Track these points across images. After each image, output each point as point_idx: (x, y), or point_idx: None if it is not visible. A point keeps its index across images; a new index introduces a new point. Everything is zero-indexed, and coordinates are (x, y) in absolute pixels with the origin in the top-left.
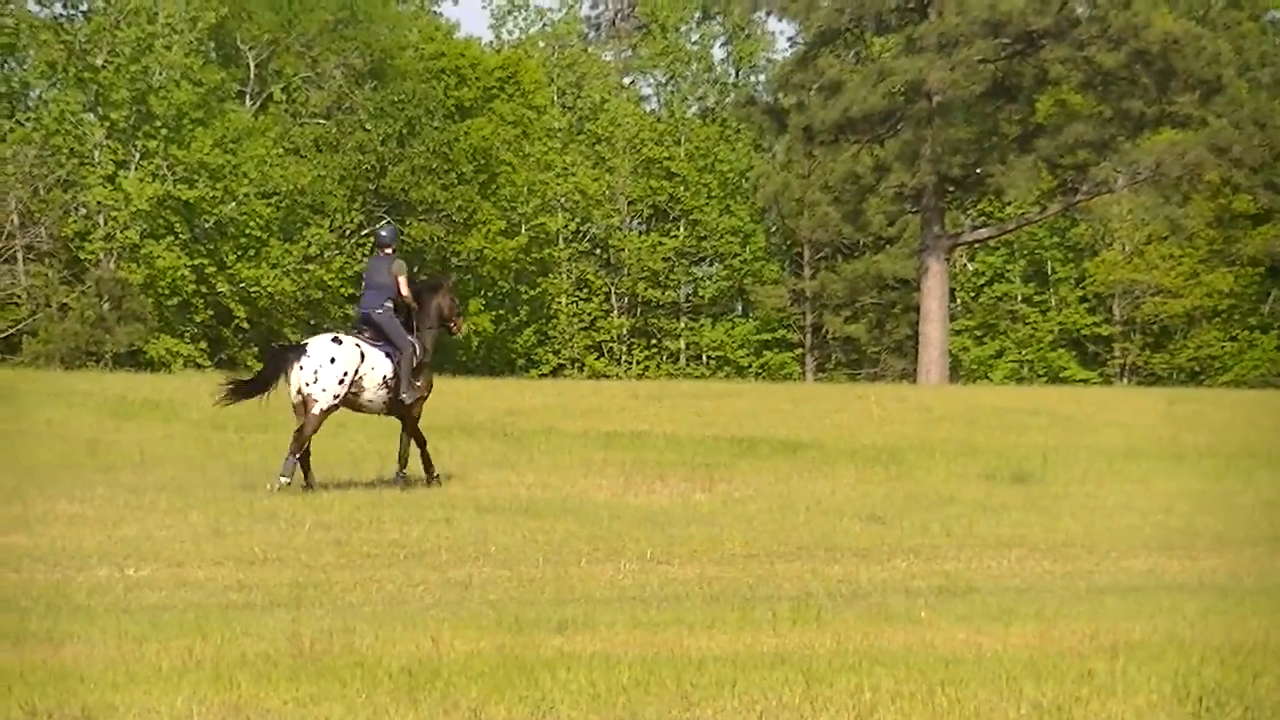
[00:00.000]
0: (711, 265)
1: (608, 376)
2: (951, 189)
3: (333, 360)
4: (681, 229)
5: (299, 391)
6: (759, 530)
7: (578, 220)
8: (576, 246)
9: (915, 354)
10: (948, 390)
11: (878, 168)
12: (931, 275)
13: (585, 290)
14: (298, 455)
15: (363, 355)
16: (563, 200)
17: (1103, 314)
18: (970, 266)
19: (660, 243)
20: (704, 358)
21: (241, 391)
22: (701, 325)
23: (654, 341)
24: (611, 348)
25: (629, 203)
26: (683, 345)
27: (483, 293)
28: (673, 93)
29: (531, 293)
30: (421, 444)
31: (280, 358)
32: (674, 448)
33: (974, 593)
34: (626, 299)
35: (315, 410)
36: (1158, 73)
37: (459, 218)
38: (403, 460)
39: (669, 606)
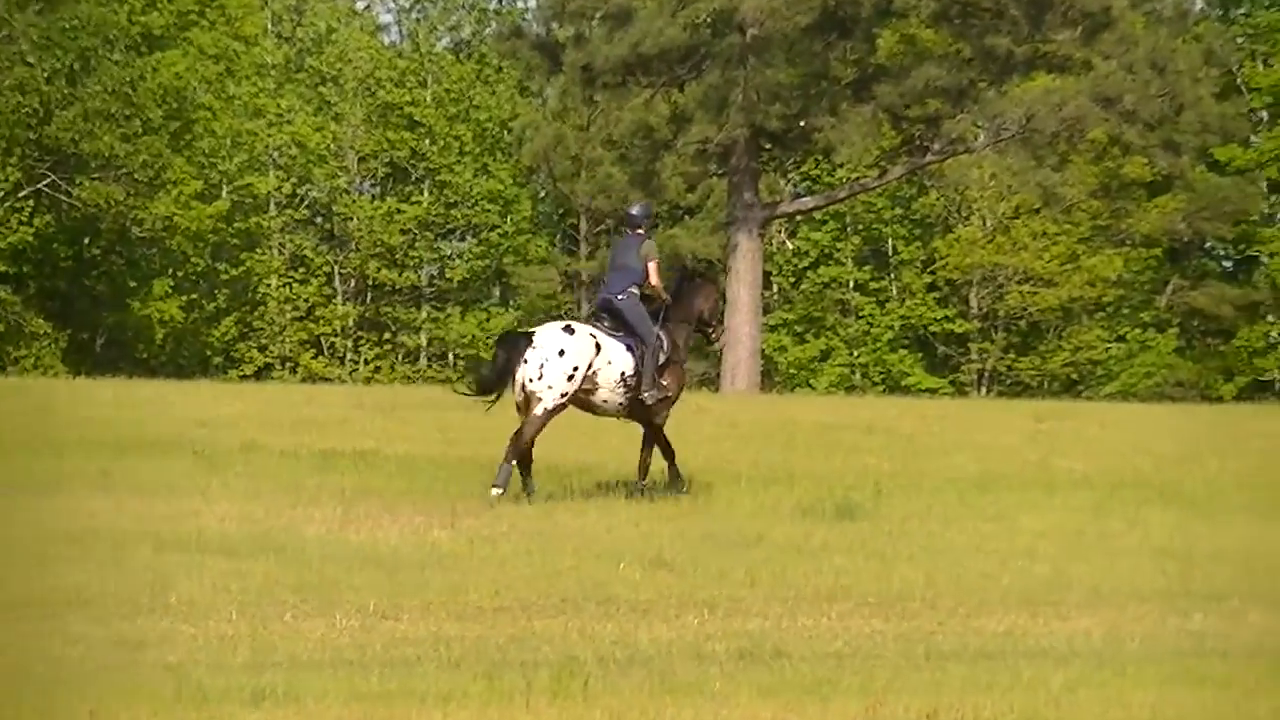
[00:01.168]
0: (463, 240)
1: (328, 379)
2: (768, 146)
3: (561, 353)
4: (426, 194)
5: (522, 388)
6: (513, 577)
7: (293, 181)
8: (292, 214)
9: (718, 354)
10: (758, 400)
11: (675, 118)
12: (741, 255)
13: (302, 270)
14: (514, 460)
15: (598, 347)
16: (275, 155)
17: (956, 306)
18: (790, 245)
19: (398, 210)
20: (450, 357)
21: (482, 384)
22: (448, 316)
23: (387, 336)
24: (333, 343)
25: (359, 159)
26: (424, 341)
27: (171, 272)
28: (418, 22)
29: (233, 272)
30: (668, 455)
31: (512, 347)
32: (407, 472)
33: (784, 658)
34: (354, 282)
35: (539, 410)
36: (1030, 2)
37: (143, 176)
38: (643, 470)
39: (396, 673)
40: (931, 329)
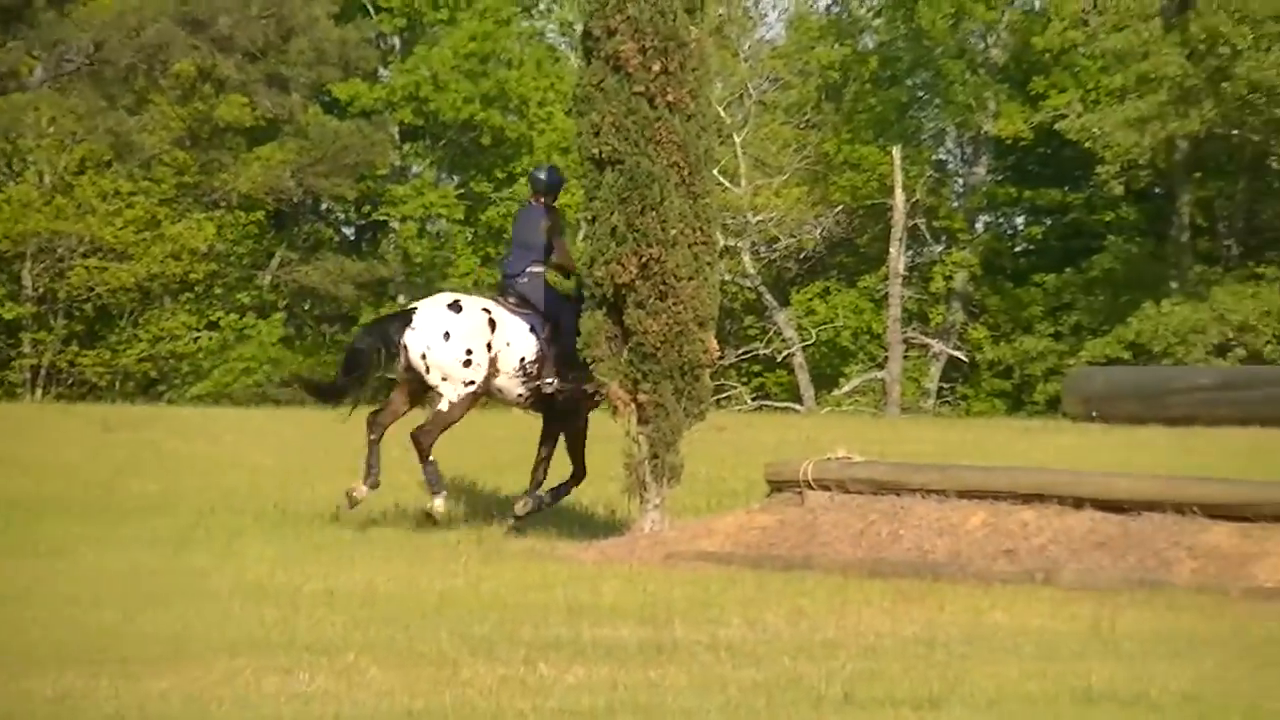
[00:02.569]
0: None
1: None
2: None
3: (447, 335)
4: None
5: (406, 369)
6: None
7: None
8: None
9: None
10: None
11: None
12: None
13: None
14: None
15: (493, 324)
16: None
17: (6, 285)
18: None
19: None
20: None
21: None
22: None
23: None
24: None
25: None
26: None
27: None
28: None
29: None
30: (576, 476)
31: (382, 330)
32: None
33: None
34: None
35: (442, 405)
36: None
37: None
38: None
39: None
40: None
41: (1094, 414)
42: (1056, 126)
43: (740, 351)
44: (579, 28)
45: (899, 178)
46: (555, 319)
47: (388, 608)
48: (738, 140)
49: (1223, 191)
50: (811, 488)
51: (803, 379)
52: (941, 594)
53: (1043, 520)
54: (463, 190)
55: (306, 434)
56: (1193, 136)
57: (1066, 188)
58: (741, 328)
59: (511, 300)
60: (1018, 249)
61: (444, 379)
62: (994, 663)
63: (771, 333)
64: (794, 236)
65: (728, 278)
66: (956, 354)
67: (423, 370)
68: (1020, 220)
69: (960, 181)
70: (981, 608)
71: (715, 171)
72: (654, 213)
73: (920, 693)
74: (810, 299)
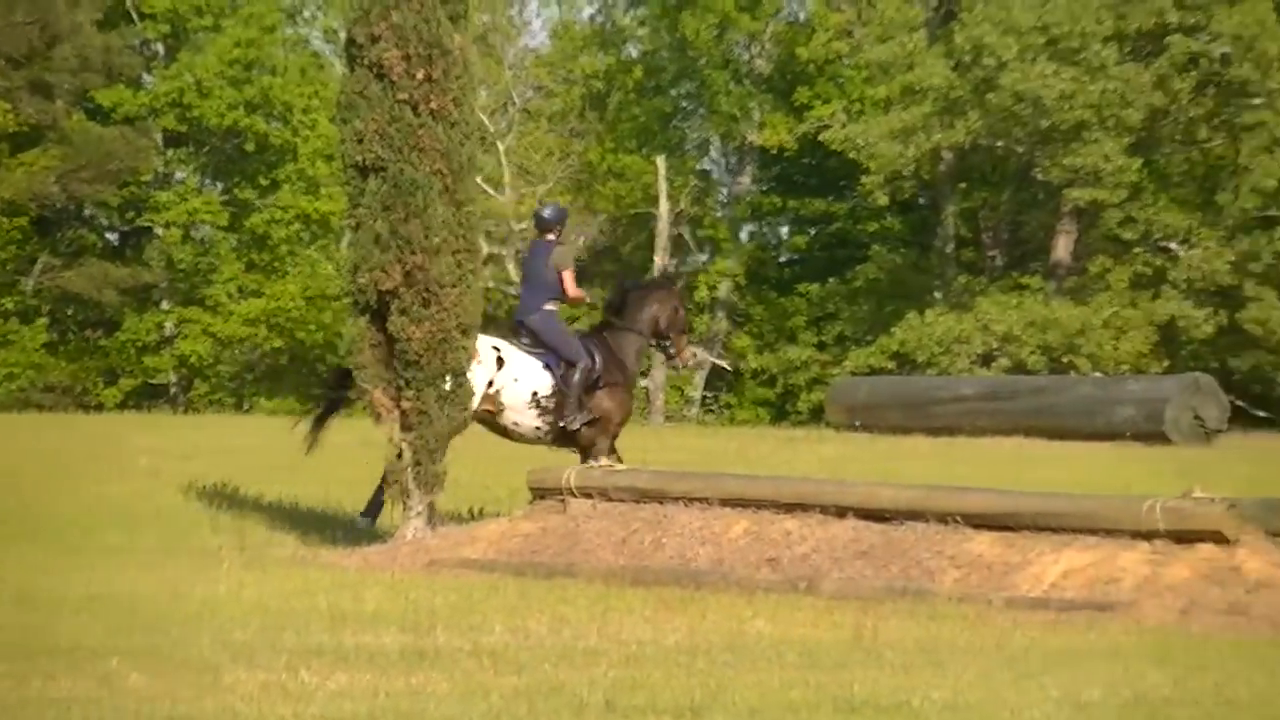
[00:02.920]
0: None
1: None
2: None
3: None
4: None
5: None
6: None
7: None
8: None
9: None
10: None
11: None
12: None
13: None
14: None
15: (500, 361)
16: None
17: None
18: None
19: None
20: None
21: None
22: None
23: None
24: None
25: None
26: None
27: None
28: None
29: None
30: None
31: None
32: None
33: None
34: None
35: None
36: None
37: None
38: None
39: None
40: None
41: (857, 423)
42: (821, 137)
43: None
44: (343, 34)
45: (663, 187)
46: (571, 354)
47: (149, 614)
48: (501, 148)
49: (987, 202)
50: (574, 495)
51: None
52: (704, 602)
53: (805, 529)
54: (227, 197)
55: (71, 439)
56: (958, 147)
57: (831, 198)
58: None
59: (525, 340)
60: (782, 259)
61: None
62: (756, 671)
63: None
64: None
65: (491, 285)
66: (720, 363)
67: None
68: (785, 230)
69: (725, 191)
70: (744, 616)
71: (479, 179)
72: (418, 220)
73: (682, 701)
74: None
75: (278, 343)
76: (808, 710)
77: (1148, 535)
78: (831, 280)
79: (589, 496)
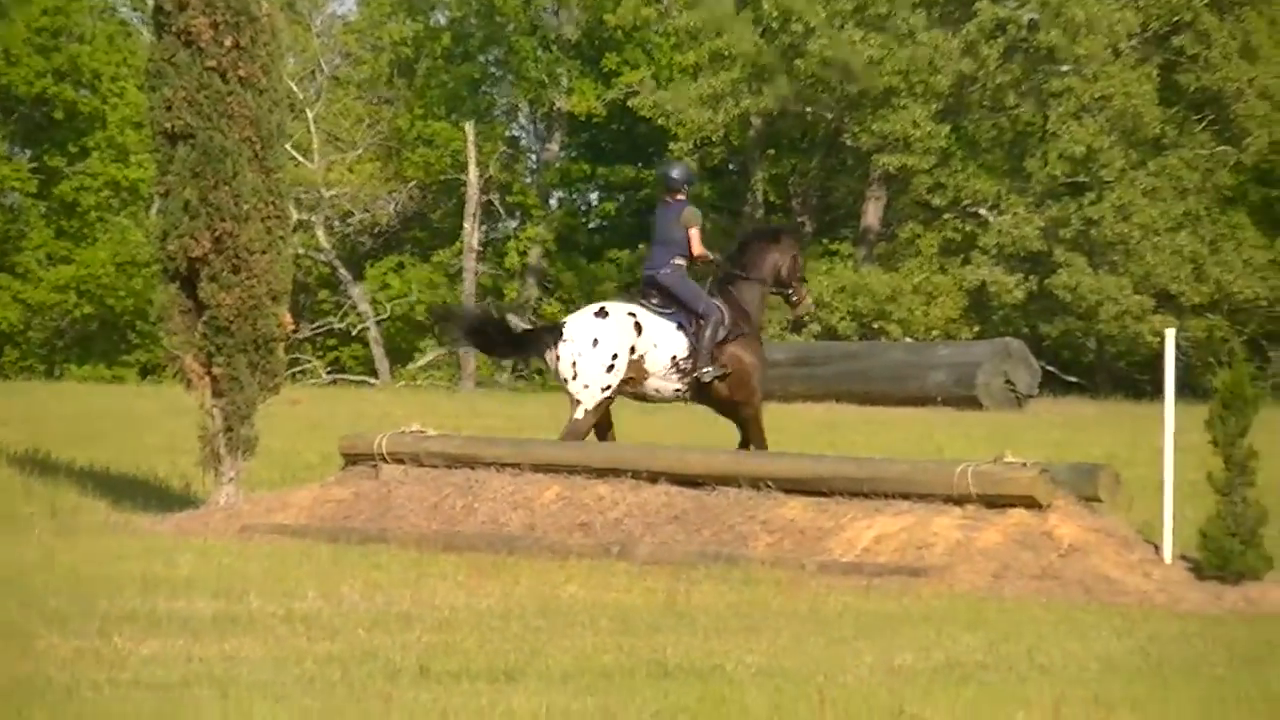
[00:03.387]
0: None
1: None
2: None
3: (595, 342)
4: None
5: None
6: None
7: None
8: None
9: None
10: None
11: None
12: None
13: None
14: None
15: (639, 328)
16: None
17: None
18: None
19: None
20: None
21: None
22: None
23: None
24: None
25: None
26: None
27: None
28: None
29: None
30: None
31: (535, 342)
32: None
33: None
34: None
35: (579, 414)
36: None
37: None
38: None
39: None
40: None
41: None
42: (630, 103)
43: (315, 325)
44: (151, 2)
45: (472, 154)
46: (703, 308)
47: None
48: (310, 115)
49: (797, 168)
50: (386, 461)
51: (377, 353)
52: (517, 567)
53: (617, 494)
54: (36, 164)
55: None
56: (766, 113)
57: (640, 164)
58: (316, 302)
59: (655, 300)
60: (591, 225)
61: (585, 386)
62: (569, 636)
63: (346, 307)
64: (368, 211)
65: (301, 252)
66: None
67: (570, 378)
68: (594, 197)
69: (534, 158)
70: (557, 581)
71: (288, 146)
72: (227, 187)
73: (496, 665)
74: (385, 274)
75: (88, 309)
76: (621, 675)
77: (960, 500)
78: (641, 246)
79: (401, 462)
